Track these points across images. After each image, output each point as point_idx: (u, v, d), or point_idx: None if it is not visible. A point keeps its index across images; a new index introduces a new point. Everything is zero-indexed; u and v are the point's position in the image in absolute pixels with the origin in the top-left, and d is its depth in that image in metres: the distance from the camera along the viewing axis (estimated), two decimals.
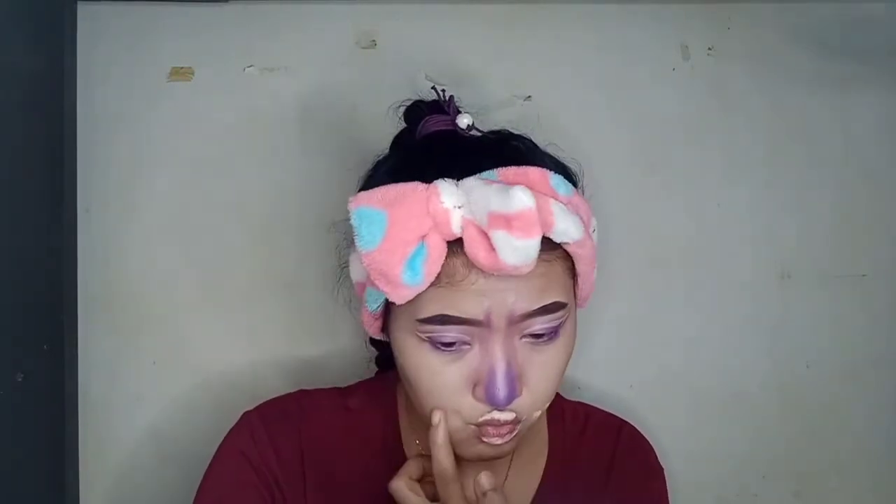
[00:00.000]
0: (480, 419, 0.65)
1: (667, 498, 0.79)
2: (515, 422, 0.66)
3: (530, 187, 0.61)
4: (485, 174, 0.63)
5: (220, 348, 0.92)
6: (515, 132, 0.72)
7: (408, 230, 0.61)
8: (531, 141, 0.72)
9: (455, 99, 0.72)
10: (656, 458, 0.80)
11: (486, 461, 0.68)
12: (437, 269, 0.62)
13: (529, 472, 0.76)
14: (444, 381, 0.64)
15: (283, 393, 0.77)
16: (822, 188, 1.00)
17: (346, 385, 0.80)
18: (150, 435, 0.91)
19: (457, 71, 0.94)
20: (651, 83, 0.98)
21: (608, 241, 0.95)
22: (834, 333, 1.00)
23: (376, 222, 0.61)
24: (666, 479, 0.79)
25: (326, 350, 0.92)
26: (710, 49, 0.98)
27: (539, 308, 0.63)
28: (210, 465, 0.73)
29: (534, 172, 0.64)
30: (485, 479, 0.65)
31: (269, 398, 0.77)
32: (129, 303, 0.91)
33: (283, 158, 0.92)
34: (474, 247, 0.61)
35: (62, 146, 0.84)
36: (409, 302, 0.63)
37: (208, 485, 0.72)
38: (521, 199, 0.59)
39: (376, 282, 0.62)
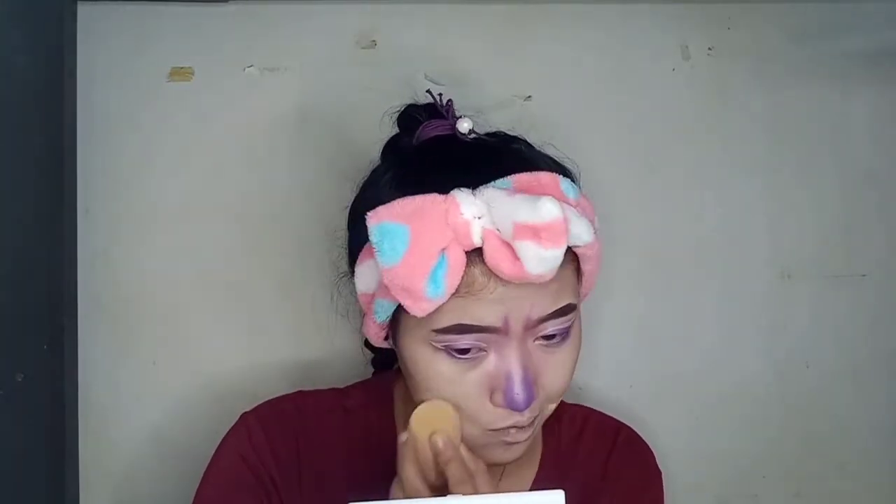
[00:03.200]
0: (502, 425, 0.65)
1: (662, 502, 0.78)
2: (534, 420, 0.67)
3: (543, 192, 0.62)
4: (500, 182, 0.63)
5: (220, 349, 0.92)
6: (511, 134, 0.72)
7: (430, 243, 0.60)
8: (527, 142, 0.72)
9: (455, 99, 0.72)
10: (655, 462, 0.79)
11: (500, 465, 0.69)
12: (458, 280, 0.61)
13: (521, 475, 0.75)
14: (461, 390, 0.64)
15: (282, 393, 0.77)
16: (822, 188, 1.00)
17: (344, 386, 0.80)
18: (149, 435, 0.91)
19: (456, 71, 0.94)
20: (651, 83, 0.98)
21: (608, 242, 0.95)
22: (834, 333, 1.00)
23: (399, 237, 0.60)
24: (663, 483, 0.79)
25: (325, 350, 0.92)
26: (710, 49, 0.98)
27: (553, 311, 0.64)
28: (208, 466, 0.73)
29: (545, 177, 0.64)
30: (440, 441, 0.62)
31: (267, 399, 0.77)
32: (129, 303, 0.91)
33: (283, 158, 0.92)
34: (497, 257, 0.60)
35: (62, 146, 0.84)
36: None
37: (206, 487, 0.72)
38: (550, 210, 0.58)
39: (397, 296, 0.62)
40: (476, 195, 0.62)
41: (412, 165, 0.68)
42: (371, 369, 0.85)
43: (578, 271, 0.68)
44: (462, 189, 0.62)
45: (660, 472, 0.79)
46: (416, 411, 0.63)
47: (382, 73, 0.93)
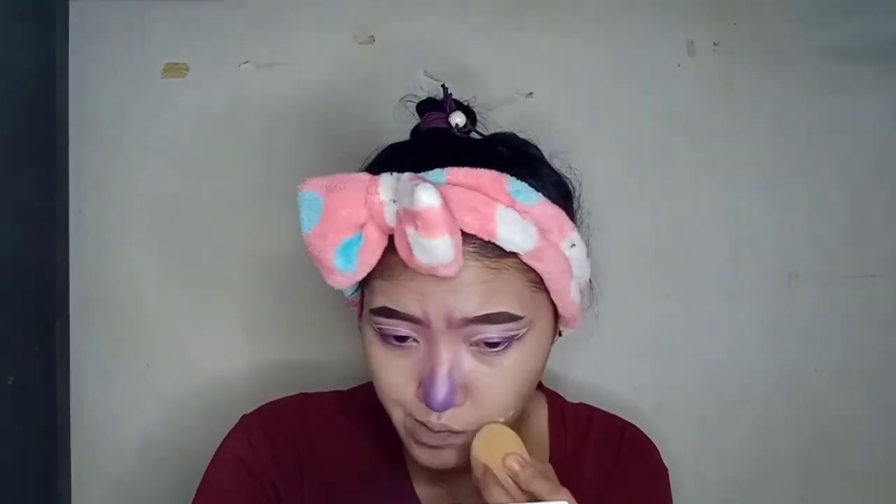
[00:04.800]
0: (419, 417, 0.65)
1: (670, 499, 0.77)
2: (450, 433, 0.64)
3: (479, 190, 0.61)
4: (432, 173, 0.62)
5: (215, 351, 0.91)
6: (521, 137, 0.71)
7: (341, 218, 0.61)
8: (535, 147, 0.70)
9: (456, 95, 0.71)
10: (660, 457, 0.78)
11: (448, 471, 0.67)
12: (374, 260, 0.62)
13: None
14: (391, 374, 0.65)
15: (278, 396, 0.76)
16: (830, 187, 0.99)
17: (347, 388, 0.79)
18: (143, 439, 0.90)
19: (456, 67, 0.93)
20: (656, 79, 0.97)
21: (611, 241, 0.94)
22: (842, 334, 0.99)
23: (314, 207, 0.61)
24: (670, 478, 0.78)
25: (323, 353, 0.92)
26: (715, 44, 0.97)
27: (482, 315, 0.62)
28: (207, 469, 0.72)
29: (487, 175, 0.62)
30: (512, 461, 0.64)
31: (265, 401, 0.76)
32: (122, 304, 0.90)
33: (280, 155, 0.92)
34: (400, 243, 0.61)
35: (54, 144, 0.84)
36: (367, 292, 0.65)
37: (205, 489, 0.72)
38: (421, 198, 0.57)
39: (316, 264, 0.63)
40: (399, 180, 0.62)
41: (406, 154, 0.68)
42: None
43: (542, 286, 0.65)
44: (392, 173, 0.62)
45: (666, 468, 0.78)
46: (473, 448, 0.63)
47: (380, 69, 0.92)
